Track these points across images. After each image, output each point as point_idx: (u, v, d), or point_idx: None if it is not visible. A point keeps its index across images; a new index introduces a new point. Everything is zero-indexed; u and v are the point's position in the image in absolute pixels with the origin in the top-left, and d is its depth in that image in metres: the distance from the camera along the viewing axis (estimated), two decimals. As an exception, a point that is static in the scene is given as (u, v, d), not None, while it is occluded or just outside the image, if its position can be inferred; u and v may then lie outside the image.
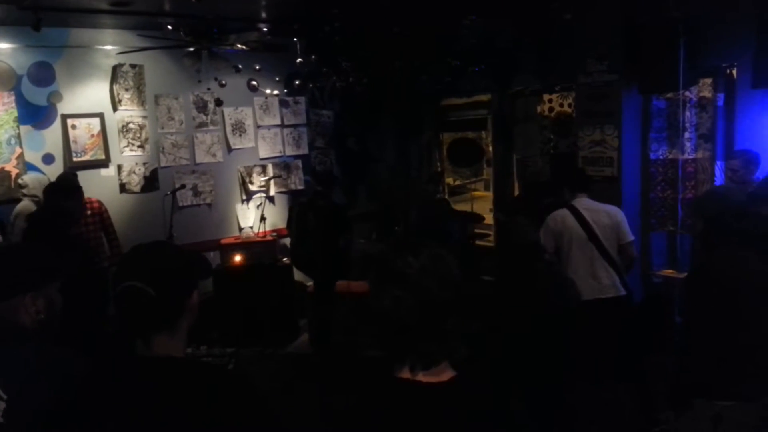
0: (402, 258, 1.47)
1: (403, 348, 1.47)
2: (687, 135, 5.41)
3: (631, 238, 4.31)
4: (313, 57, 6.33)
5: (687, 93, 5.29)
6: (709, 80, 5.24)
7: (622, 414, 4.03)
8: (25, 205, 5.21)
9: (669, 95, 5.46)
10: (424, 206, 6.73)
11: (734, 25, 4.88)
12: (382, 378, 1.49)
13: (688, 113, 5.38)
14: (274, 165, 7.38)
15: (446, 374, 1.47)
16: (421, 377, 1.45)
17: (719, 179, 5.21)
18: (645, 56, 5.19)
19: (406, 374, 1.47)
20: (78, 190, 4.87)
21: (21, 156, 5.68)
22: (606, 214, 4.29)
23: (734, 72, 5.06)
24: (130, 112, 6.34)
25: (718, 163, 5.23)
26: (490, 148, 7.57)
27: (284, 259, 6.64)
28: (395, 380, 1.47)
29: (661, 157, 5.63)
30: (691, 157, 5.45)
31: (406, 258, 1.47)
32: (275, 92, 7.20)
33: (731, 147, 5.07)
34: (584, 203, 4.33)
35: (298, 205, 6.20)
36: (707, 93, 5.27)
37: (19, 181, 5.46)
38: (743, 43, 4.81)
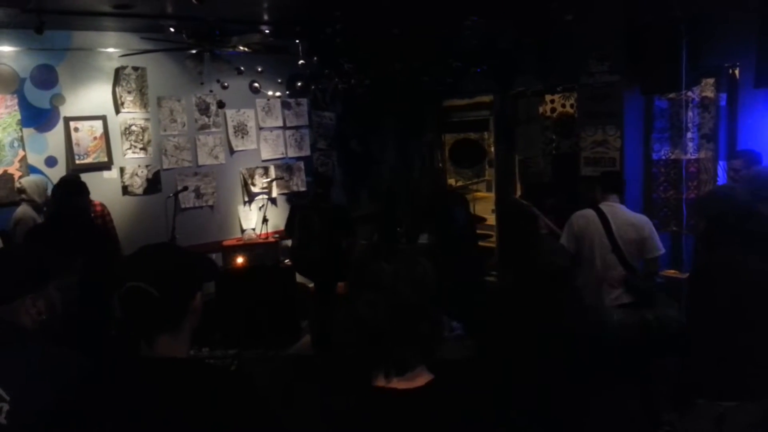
0: (376, 263, 1.48)
1: (377, 354, 1.47)
2: (689, 135, 5.40)
3: (660, 252, 4.05)
4: (315, 59, 6.34)
5: (689, 93, 5.28)
6: (711, 80, 5.22)
7: (626, 415, 4.02)
8: (25, 211, 5.09)
9: (671, 95, 5.45)
10: (437, 193, 6.75)
11: (736, 24, 4.87)
12: (359, 387, 1.49)
13: (690, 113, 5.37)
14: (277, 167, 7.39)
15: (422, 378, 1.47)
16: (396, 383, 1.45)
17: (722, 179, 5.20)
18: (647, 56, 5.18)
19: (381, 382, 1.46)
20: (85, 188, 4.88)
21: (24, 159, 5.69)
22: (633, 228, 4.04)
23: (737, 72, 5.04)
24: (132, 114, 6.35)
25: (721, 163, 5.22)
26: (492, 149, 7.57)
27: (286, 261, 6.64)
28: (371, 389, 1.47)
29: (663, 158, 5.62)
30: (693, 157, 5.44)
31: (379, 263, 1.48)
32: (277, 94, 7.21)
33: (734, 147, 5.05)
34: (613, 210, 4.09)
35: (300, 207, 6.19)
36: (710, 93, 5.26)
37: (17, 184, 5.38)
38: (746, 43, 4.80)
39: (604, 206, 4.12)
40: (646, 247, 4.03)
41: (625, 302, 4.05)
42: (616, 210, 4.10)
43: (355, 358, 1.52)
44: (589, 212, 4.12)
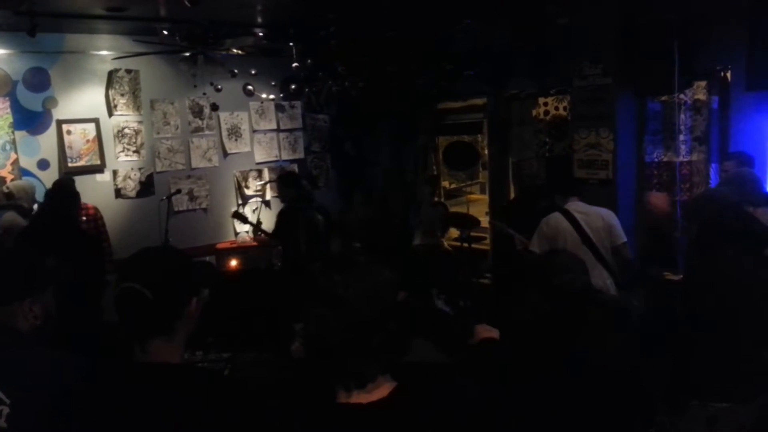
0: (327, 276, 1.42)
1: (333, 368, 1.42)
2: (682, 138, 5.42)
3: (624, 239, 4.31)
4: (309, 61, 6.33)
5: (682, 96, 5.31)
6: (703, 83, 5.25)
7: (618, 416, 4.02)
8: (13, 218, 4.90)
9: (664, 98, 5.47)
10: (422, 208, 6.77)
11: (728, 28, 4.90)
12: (322, 405, 1.44)
13: (682, 116, 5.39)
14: (270, 169, 7.38)
15: (384, 388, 1.42)
16: (357, 397, 1.41)
17: (714, 182, 5.22)
18: (640, 59, 5.21)
19: (343, 397, 1.42)
20: (75, 196, 4.85)
21: (16, 162, 5.67)
22: (599, 217, 4.31)
23: (728, 75, 5.07)
24: (125, 117, 6.34)
25: (713, 165, 5.25)
26: (486, 152, 7.58)
27: (280, 264, 6.63)
28: (334, 406, 1.42)
29: (656, 160, 5.64)
30: (686, 159, 5.46)
31: (331, 276, 1.41)
32: (271, 97, 7.20)
33: (726, 149, 5.08)
34: (577, 207, 4.36)
35: (286, 211, 6.08)
36: (702, 96, 5.28)
37: (4, 189, 5.29)
38: (737, 46, 4.83)
39: (568, 206, 4.36)
40: (613, 233, 4.26)
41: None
42: (579, 206, 4.37)
43: (314, 374, 1.47)
44: (556, 214, 4.36)
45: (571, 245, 4.24)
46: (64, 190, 4.60)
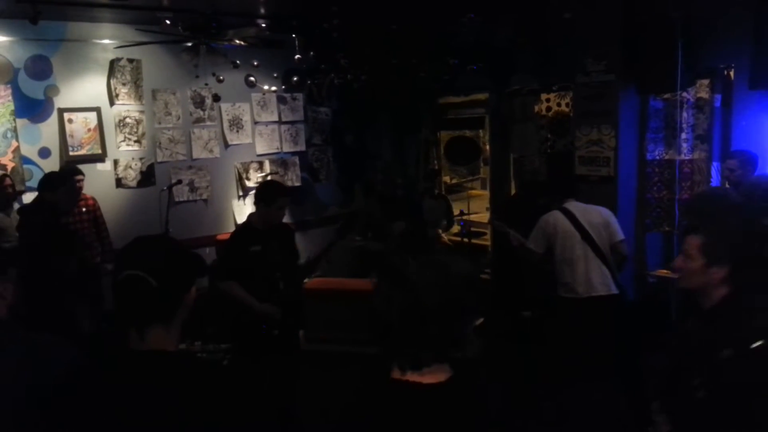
0: (401, 258, 1.48)
1: (391, 348, 1.47)
2: (684, 136, 5.42)
3: (622, 236, 4.34)
4: (312, 54, 6.32)
5: (684, 94, 5.30)
6: (706, 81, 5.24)
7: (616, 413, 4.04)
8: None
9: (666, 96, 5.46)
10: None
11: (732, 26, 4.89)
12: (377, 378, 1.50)
13: (685, 114, 5.38)
14: (271, 161, 7.37)
15: (441, 375, 1.46)
16: (412, 377, 1.45)
17: (715, 180, 5.22)
18: (643, 57, 5.20)
19: (397, 374, 1.47)
20: (64, 181, 4.86)
21: (17, 150, 5.66)
22: (597, 214, 4.35)
23: (731, 73, 5.06)
24: (127, 106, 6.33)
25: (715, 164, 5.24)
26: (488, 147, 7.58)
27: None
28: (389, 380, 1.47)
29: (657, 158, 5.64)
30: (687, 157, 5.45)
31: (406, 258, 1.47)
32: (273, 88, 7.19)
33: (728, 148, 5.08)
34: (575, 205, 4.40)
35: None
36: (704, 94, 5.27)
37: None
38: (740, 45, 4.82)
39: (567, 205, 4.39)
40: (611, 230, 4.30)
41: (602, 294, 4.20)
42: (577, 204, 4.41)
43: (378, 349, 1.52)
44: (555, 212, 4.39)
45: (569, 241, 4.26)
46: (44, 182, 4.64)
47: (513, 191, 6.97)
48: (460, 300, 1.46)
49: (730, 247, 2.24)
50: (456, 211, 7.07)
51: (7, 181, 5.19)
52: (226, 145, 7.05)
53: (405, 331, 1.44)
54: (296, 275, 4.72)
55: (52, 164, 5.79)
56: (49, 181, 4.89)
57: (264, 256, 3.88)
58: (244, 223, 4.25)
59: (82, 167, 5.71)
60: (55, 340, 1.77)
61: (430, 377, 1.45)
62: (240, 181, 7.18)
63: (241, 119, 7.13)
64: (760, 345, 1.97)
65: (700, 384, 2.02)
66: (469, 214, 7.15)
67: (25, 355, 1.71)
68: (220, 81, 6.22)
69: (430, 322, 1.43)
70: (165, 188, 6.24)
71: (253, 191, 6.76)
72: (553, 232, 4.33)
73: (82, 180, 5.47)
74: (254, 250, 3.87)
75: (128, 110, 6.34)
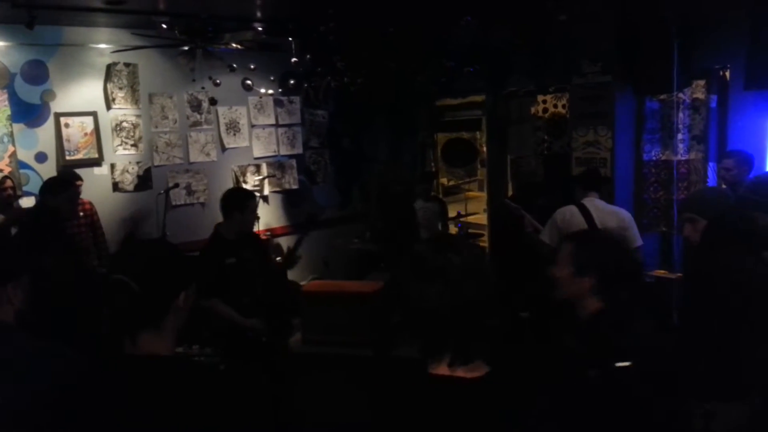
0: (443, 255, 1.49)
1: (443, 344, 1.48)
2: (680, 136, 5.44)
3: (639, 243, 4.24)
4: (308, 56, 6.33)
5: (680, 95, 5.32)
6: (702, 82, 5.26)
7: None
8: None
9: (662, 97, 5.48)
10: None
11: (727, 27, 4.91)
12: (417, 376, 1.51)
13: (681, 115, 5.40)
14: (269, 164, 7.37)
15: (482, 369, 1.49)
16: (460, 372, 1.47)
17: (712, 180, 5.23)
18: (639, 58, 5.22)
19: (443, 370, 1.48)
20: (66, 187, 4.85)
21: (14, 154, 5.65)
22: (614, 217, 4.24)
23: (727, 74, 5.08)
24: (123, 110, 6.32)
25: (711, 164, 5.26)
26: (485, 149, 7.59)
27: (278, 259, 6.63)
28: (431, 377, 1.49)
29: (654, 158, 5.66)
30: (684, 158, 5.47)
31: (447, 255, 1.49)
32: (270, 91, 7.19)
33: (724, 148, 5.09)
34: (594, 203, 4.30)
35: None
36: (700, 95, 5.29)
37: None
38: (736, 46, 4.84)
39: (585, 201, 4.31)
40: (627, 237, 4.16)
41: None
42: (597, 203, 4.31)
43: (420, 348, 1.52)
44: (572, 207, 4.31)
45: None
46: (55, 184, 4.64)
47: (510, 193, 6.98)
48: (494, 292, 1.51)
49: (596, 258, 2.22)
50: (453, 213, 7.07)
51: (8, 183, 5.17)
52: (223, 148, 7.05)
53: (462, 324, 1.46)
54: (279, 279, 4.67)
55: (48, 169, 5.78)
56: (51, 187, 4.83)
57: (242, 267, 3.83)
58: (212, 235, 4.13)
59: (78, 171, 5.70)
60: (57, 346, 1.77)
61: (476, 371, 1.48)
62: (237, 184, 7.17)
63: (238, 122, 7.13)
64: (624, 365, 1.96)
65: (573, 404, 2.01)
66: (466, 215, 7.17)
67: (27, 361, 1.71)
68: (216, 84, 6.22)
69: (487, 315, 1.47)
70: (162, 192, 6.24)
71: (256, 193, 6.78)
72: (564, 227, 4.24)
73: (81, 185, 5.48)
74: (229, 262, 3.82)
75: (125, 114, 6.33)
